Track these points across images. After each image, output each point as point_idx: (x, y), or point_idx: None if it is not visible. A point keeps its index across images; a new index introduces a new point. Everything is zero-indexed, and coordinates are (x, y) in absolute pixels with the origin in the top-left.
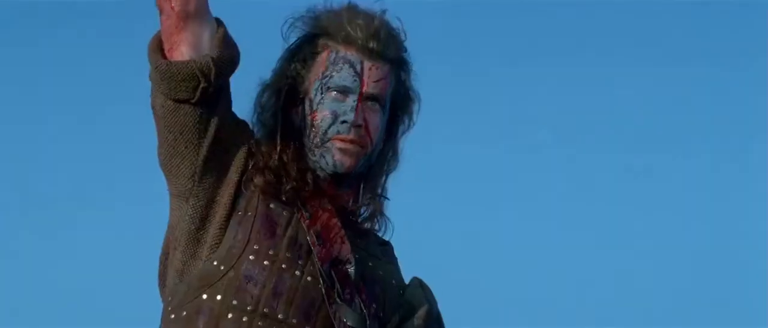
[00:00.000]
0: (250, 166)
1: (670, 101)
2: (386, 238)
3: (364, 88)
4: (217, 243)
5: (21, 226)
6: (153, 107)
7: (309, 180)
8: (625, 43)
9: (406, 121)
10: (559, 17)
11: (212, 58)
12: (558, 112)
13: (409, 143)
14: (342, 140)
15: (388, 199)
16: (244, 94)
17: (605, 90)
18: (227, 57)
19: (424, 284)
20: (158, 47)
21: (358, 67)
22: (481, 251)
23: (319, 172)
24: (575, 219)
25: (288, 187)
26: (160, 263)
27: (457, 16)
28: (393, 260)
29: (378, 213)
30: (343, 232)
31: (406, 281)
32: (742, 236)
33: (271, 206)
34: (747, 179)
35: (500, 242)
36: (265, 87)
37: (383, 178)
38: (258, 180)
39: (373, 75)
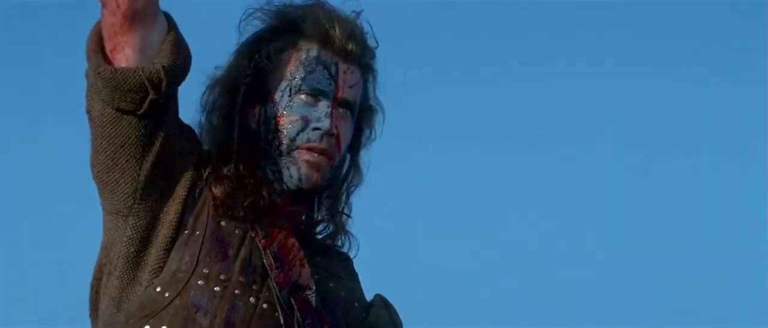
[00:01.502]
0: (202, 177)
1: (670, 101)
2: (350, 255)
3: (340, 93)
4: (160, 266)
5: (22, 226)
6: (88, 112)
7: (264, 195)
8: (624, 43)
9: (368, 133)
10: (559, 16)
11: (163, 66)
12: (558, 112)
13: (409, 143)
14: (310, 150)
15: (350, 217)
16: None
17: (605, 89)
18: (180, 64)
19: (389, 303)
20: (99, 46)
21: (334, 70)
22: (480, 251)
23: (276, 185)
24: (575, 219)
25: (246, 202)
26: (91, 288)
27: (453, 15)
28: (355, 277)
29: (340, 232)
30: (301, 253)
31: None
32: (743, 236)
33: (222, 223)
34: (747, 179)
35: (500, 242)
36: (216, 83)
37: (344, 195)
38: (217, 191)
39: (348, 79)
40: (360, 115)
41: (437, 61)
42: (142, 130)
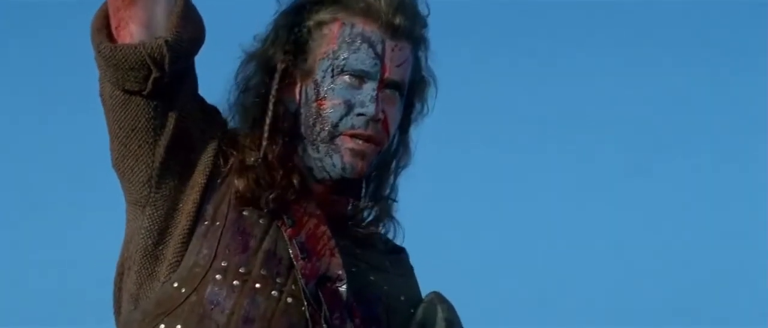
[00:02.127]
0: (223, 165)
1: (671, 100)
2: (397, 242)
3: (387, 74)
4: (177, 260)
5: (22, 226)
6: (101, 97)
7: (295, 183)
8: (624, 41)
9: (420, 108)
10: (558, 15)
11: (166, 41)
12: (557, 111)
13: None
14: (354, 136)
15: (396, 201)
16: (213, 66)
17: (605, 89)
18: (187, 38)
19: (444, 300)
20: (104, 24)
21: (380, 48)
22: (479, 251)
23: (317, 173)
24: (574, 219)
25: (272, 195)
26: (114, 285)
27: (451, 14)
28: (406, 272)
29: (384, 217)
30: (332, 242)
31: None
32: (743, 236)
33: (244, 213)
34: (747, 179)
35: (498, 242)
36: (250, 58)
37: (391, 177)
38: (239, 184)
39: (396, 58)
40: (410, 89)
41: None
42: (152, 112)
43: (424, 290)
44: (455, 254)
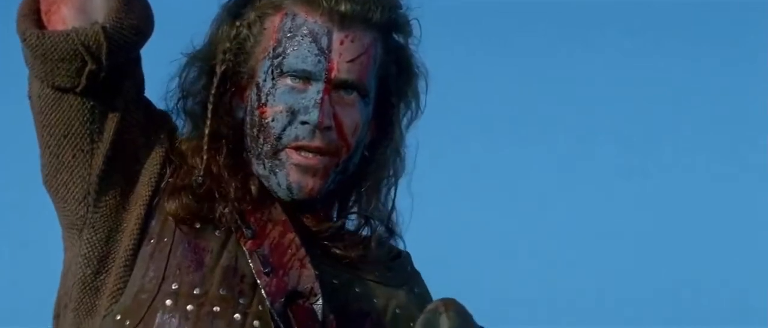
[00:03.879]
0: (170, 175)
1: (670, 100)
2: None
3: (334, 73)
4: (120, 288)
5: (23, 224)
6: (29, 99)
7: (252, 190)
8: (623, 40)
9: (411, 107)
10: (557, 14)
11: (103, 27)
12: (557, 110)
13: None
14: (300, 148)
15: (387, 217)
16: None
17: (604, 89)
18: (128, 25)
19: (453, 307)
20: (32, 9)
21: (324, 41)
22: (476, 251)
23: (266, 179)
24: (573, 219)
25: (225, 210)
26: None
27: (450, 12)
28: (406, 280)
29: (379, 236)
30: (302, 252)
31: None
32: (743, 235)
33: (197, 225)
34: (748, 179)
35: (496, 241)
36: (192, 61)
37: (385, 190)
38: (170, 206)
39: (347, 51)
40: (388, 85)
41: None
42: (87, 114)
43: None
44: (453, 254)
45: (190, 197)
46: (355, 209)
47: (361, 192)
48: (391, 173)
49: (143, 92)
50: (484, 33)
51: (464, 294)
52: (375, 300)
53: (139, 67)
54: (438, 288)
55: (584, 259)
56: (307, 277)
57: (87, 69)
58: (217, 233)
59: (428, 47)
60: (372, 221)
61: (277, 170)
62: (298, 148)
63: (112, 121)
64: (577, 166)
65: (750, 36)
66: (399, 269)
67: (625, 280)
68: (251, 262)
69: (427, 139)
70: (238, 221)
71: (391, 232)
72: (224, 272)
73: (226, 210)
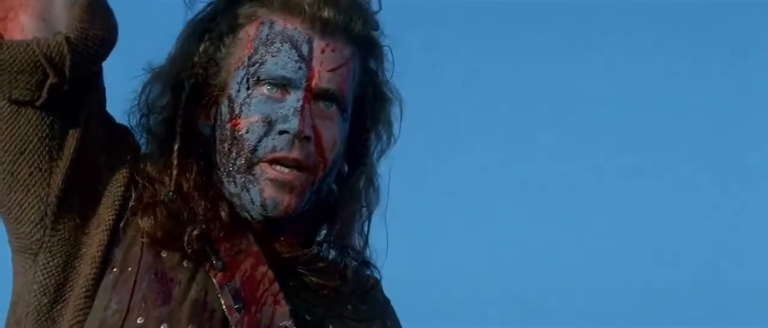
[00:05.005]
0: (132, 197)
1: (669, 99)
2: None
3: (315, 81)
4: (80, 321)
5: None
6: None
7: (222, 215)
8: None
9: (382, 134)
10: (556, 13)
11: (67, 38)
12: (556, 109)
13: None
14: (276, 162)
15: (360, 252)
16: (123, 83)
17: (603, 89)
18: (93, 35)
19: None
20: None
21: (305, 48)
22: (473, 250)
23: (240, 211)
24: (572, 218)
25: (194, 231)
26: None
27: (449, 11)
28: (376, 313)
29: (356, 267)
30: (275, 286)
31: None
32: (743, 235)
33: (163, 255)
34: (748, 179)
35: (496, 241)
36: (156, 77)
37: (359, 221)
38: (145, 223)
39: (328, 60)
40: (362, 109)
41: (431, 59)
42: (47, 130)
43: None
44: (450, 253)
45: (164, 214)
46: (329, 238)
47: (334, 221)
48: (365, 204)
49: (105, 106)
50: (486, 31)
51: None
52: None
53: (100, 79)
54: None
55: (583, 258)
56: (280, 314)
57: (48, 82)
58: (185, 264)
59: (428, 48)
60: (348, 251)
61: (250, 186)
62: (273, 162)
63: (72, 138)
64: (577, 166)
65: (750, 36)
66: (373, 301)
67: (624, 280)
68: (222, 296)
69: (429, 140)
70: (208, 249)
71: (367, 264)
72: (193, 306)
73: (195, 232)
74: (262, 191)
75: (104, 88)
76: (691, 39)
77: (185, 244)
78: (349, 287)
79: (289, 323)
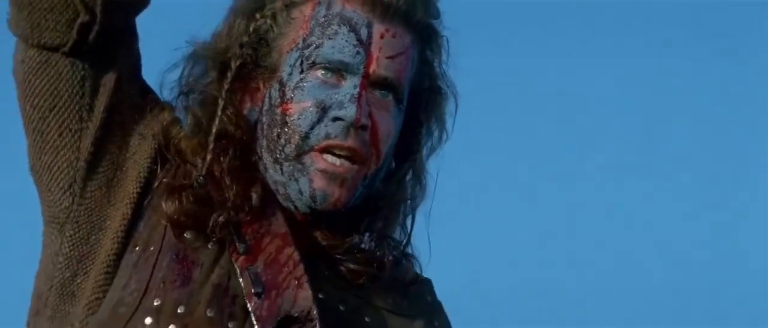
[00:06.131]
0: (158, 174)
1: (668, 99)
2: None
3: (372, 67)
4: (98, 297)
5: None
6: (14, 74)
7: (253, 198)
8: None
9: (435, 130)
10: (556, 12)
11: None
12: (556, 109)
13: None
14: (329, 151)
15: (405, 245)
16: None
17: (603, 88)
18: None
19: None
20: None
21: (364, 32)
22: (470, 250)
23: (281, 201)
24: (573, 218)
25: (220, 217)
26: None
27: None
28: (425, 310)
29: (395, 257)
30: (300, 269)
31: None
32: (743, 235)
33: (187, 235)
34: (747, 178)
35: (494, 240)
36: (200, 53)
37: (400, 216)
38: (169, 207)
39: (388, 47)
40: (417, 101)
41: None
42: (77, 86)
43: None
44: (450, 251)
45: (191, 198)
46: (370, 229)
47: (377, 214)
48: (410, 197)
49: (140, 72)
50: (486, 31)
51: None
52: None
53: (135, 41)
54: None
55: (584, 258)
56: (303, 299)
57: (79, 22)
58: (209, 246)
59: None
60: (389, 241)
61: (298, 176)
62: (326, 150)
63: (104, 96)
64: (573, 166)
65: (750, 36)
66: (417, 296)
67: (625, 280)
68: (242, 281)
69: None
70: (232, 232)
71: (407, 257)
72: (214, 290)
73: (221, 219)
74: (312, 181)
75: (139, 55)
76: (691, 39)
77: (209, 231)
78: (388, 278)
79: (312, 308)
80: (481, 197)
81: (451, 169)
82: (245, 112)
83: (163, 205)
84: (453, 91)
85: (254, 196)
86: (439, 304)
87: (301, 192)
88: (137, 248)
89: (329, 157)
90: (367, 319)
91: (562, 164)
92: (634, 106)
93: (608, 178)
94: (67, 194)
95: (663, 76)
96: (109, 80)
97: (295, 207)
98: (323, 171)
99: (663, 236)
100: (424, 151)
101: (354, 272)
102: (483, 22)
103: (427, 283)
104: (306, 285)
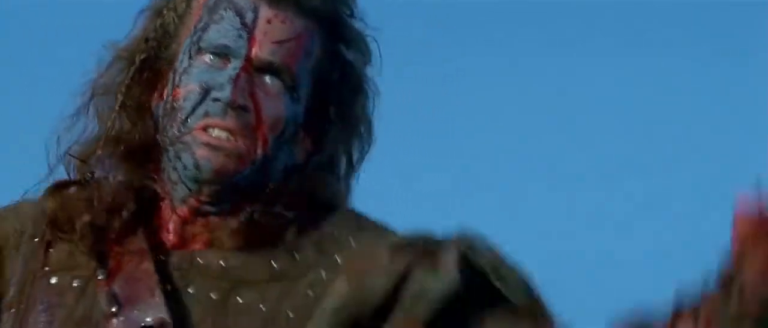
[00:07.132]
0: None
1: (668, 98)
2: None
3: (255, 51)
4: None
5: None
6: None
7: (123, 214)
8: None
9: (356, 128)
10: (556, 12)
11: None
12: (555, 109)
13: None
14: (207, 129)
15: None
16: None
17: (602, 88)
18: None
19: (451, 254)
20: None
21: (249, 17)
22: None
23: (176, 195)
24: (571, 218)
25: (85, 219)
26: None
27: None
28: (313, 263)
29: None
30: (155, 279)
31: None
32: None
33: (52, 280)
34: (747, 178)
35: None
36: (116, 59)
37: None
38: (51, 203)
39: (275, 32)
40: (327, 93)
41: (424, 59)
42: None
43: None
44: None
45: (74, 192)
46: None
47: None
48: (318, 189)
49: None
50: (484, 30)
51: None
52: (263, 308)
53: None
54: None
55: (584, 258)
56: (154, 306)
57: None
58: (74, 284)
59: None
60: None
61: (182, 154)
62: (206, 128)
63: None
64: (572, 166)
65: (750, 36)
66: (326, 244)
67: (625, 280)
68: (103, 303)
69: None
70: (96, 262)
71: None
72: (77, 324)
73: (86, 218)
74: (194, 153)
75: None
76: (691, 39)
77: (77, 237)
78: (295, 229)
79: (161, 315)
80: (481, 196)
81: (449, 168)
82: (153, 108)
83: (48, 202)
84: (371, 89)
85: (125, 213)
86: (352, 236)
87: (185, 166)
88: (12, 311)
89: (211, 131)
90: (240, 300)
91: (562, 164)
92: (634, 107)
93: (608, 178)
94: None
95: (663, 76)
96: None
97: (187, 188)
98: (206, 144)
99: (663, 236)
100: (353, 158)
101: (227, 239)
102: (483, 22)
103: (342, 214)
104: (157, 293)
